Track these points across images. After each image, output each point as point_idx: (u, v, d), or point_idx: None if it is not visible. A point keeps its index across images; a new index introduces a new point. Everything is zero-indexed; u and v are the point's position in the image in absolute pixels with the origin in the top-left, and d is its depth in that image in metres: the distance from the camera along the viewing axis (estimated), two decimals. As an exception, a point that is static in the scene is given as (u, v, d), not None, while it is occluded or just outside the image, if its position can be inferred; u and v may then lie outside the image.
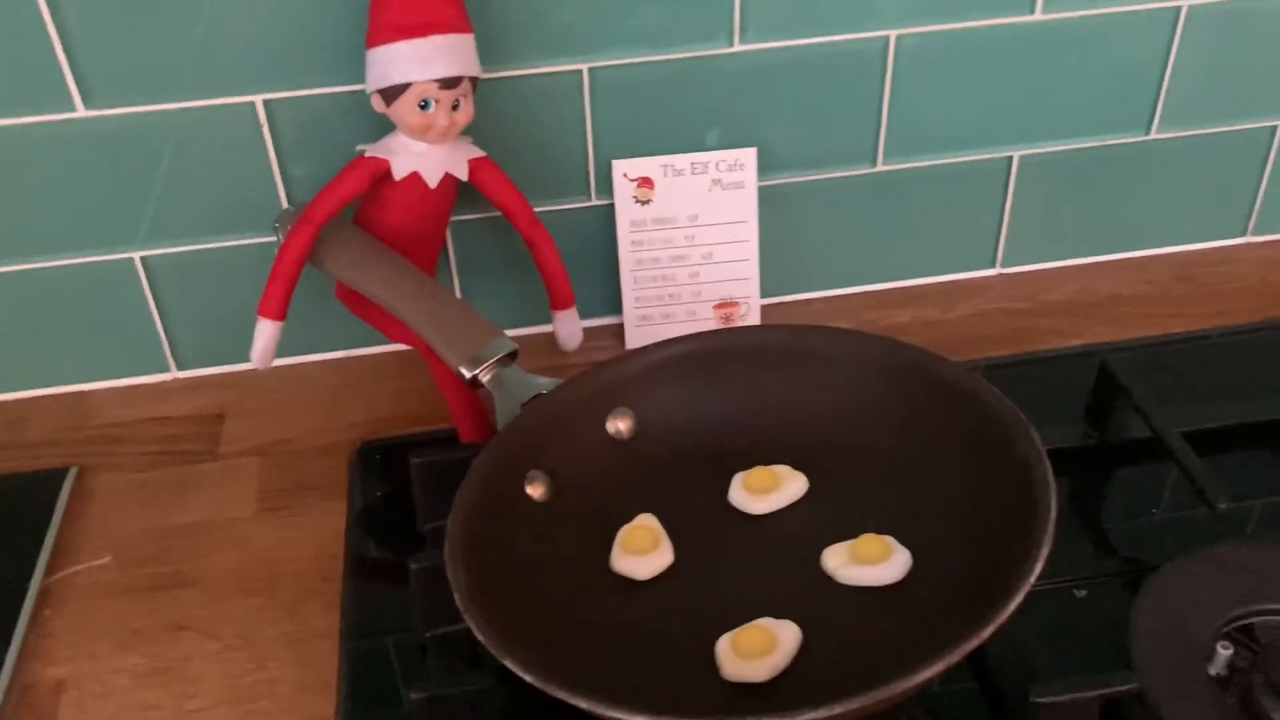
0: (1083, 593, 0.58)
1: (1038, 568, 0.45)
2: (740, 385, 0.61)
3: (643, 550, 0.55)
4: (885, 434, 0.58)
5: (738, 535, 0.57)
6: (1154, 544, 0.61)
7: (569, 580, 0.55)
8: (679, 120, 0.72)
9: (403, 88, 0.61)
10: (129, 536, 0.65)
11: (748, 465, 0.59)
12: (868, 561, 0.52)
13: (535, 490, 0.58)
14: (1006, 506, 0.50)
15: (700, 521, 0.57)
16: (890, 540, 0.54)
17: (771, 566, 0.55)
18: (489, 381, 0.60)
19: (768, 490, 0.57)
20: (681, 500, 0.58)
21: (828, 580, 0.53)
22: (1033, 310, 0.80)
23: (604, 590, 0.55)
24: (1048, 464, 0.50)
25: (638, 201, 0.73)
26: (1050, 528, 0.46)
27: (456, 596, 0.49)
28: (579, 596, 0.54)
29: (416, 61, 0.61)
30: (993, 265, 0.82)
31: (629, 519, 0.57)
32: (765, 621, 0.51)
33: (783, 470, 0.59)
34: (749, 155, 0.73)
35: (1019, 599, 0.44)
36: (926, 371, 0.57)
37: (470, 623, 0.47)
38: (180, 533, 0.65)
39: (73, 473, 0.69)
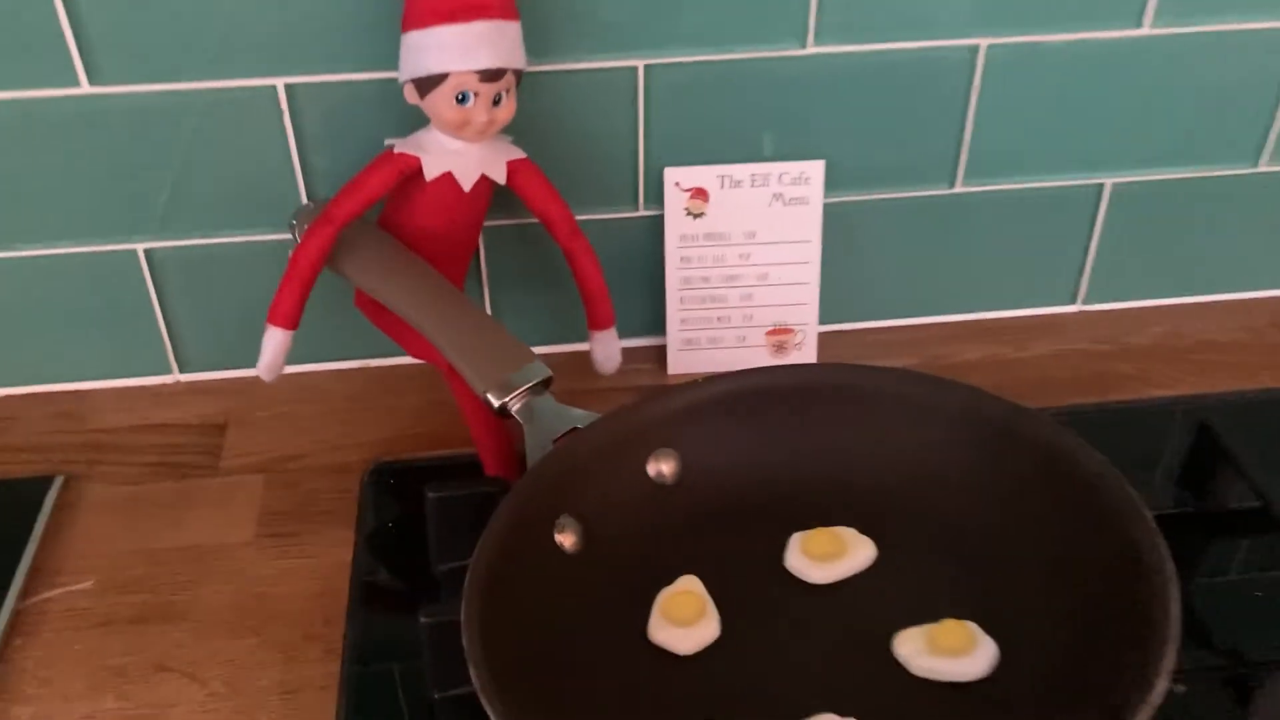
0: (1181, 689, 0.51)
1: (1160, 683, 0.38)
2: (802, 431, 0.55)
3: (686, 620, 0.49)
4: (967, 499, 0.52)
5: (794, 607, 0.51)
6: (1260, 634, 0.54)
7: (599, 648, 0.49)
8: (739, 127, 0.66)
9: (440, 78, 0.55)
10: (115, 558, 0.60)
11: (807, 524, 0.53)
12: (948, 652, 0.46)
13: (565, 539, 0.53)
14: (1113, 599, 0.44)
15: (751, 588, 0.52)
16: (974, 628, 0.47)
17: (834, 649, 0.49)
18: (518, 411, 0.55)
19: (831, 557, 0.51)
20: (730, 560, 0.53)
21: (900, 670, 0.47)
22: (1115, 353, 0.74)
23: (639, 663, 0.49)
24: (1167, 555, 0.43)
25: (690, 214, 0.67)
26: (1175, 641, 0.40)
27: (473, 673, 0.43)
28: (610, 669, 0.48)
29: (457, 50, 0.55)
30: (1073, 301, 0.76)
31: (670, 579, 0.52)
32: (827, 719, 0.44)
33: (848, 534, 0.53)
34: (816, 169, 0.67)
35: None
36: (1017, 429, 0.51)
37: (491, 712, 0.41)
38: (171, 557, 0.60)
39: (59, 482, 0.64)
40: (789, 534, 0.53)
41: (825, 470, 0.54)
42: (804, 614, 0.50)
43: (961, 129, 0.68)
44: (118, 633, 0.56)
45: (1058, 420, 0.52)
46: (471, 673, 0.43)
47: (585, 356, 0.66)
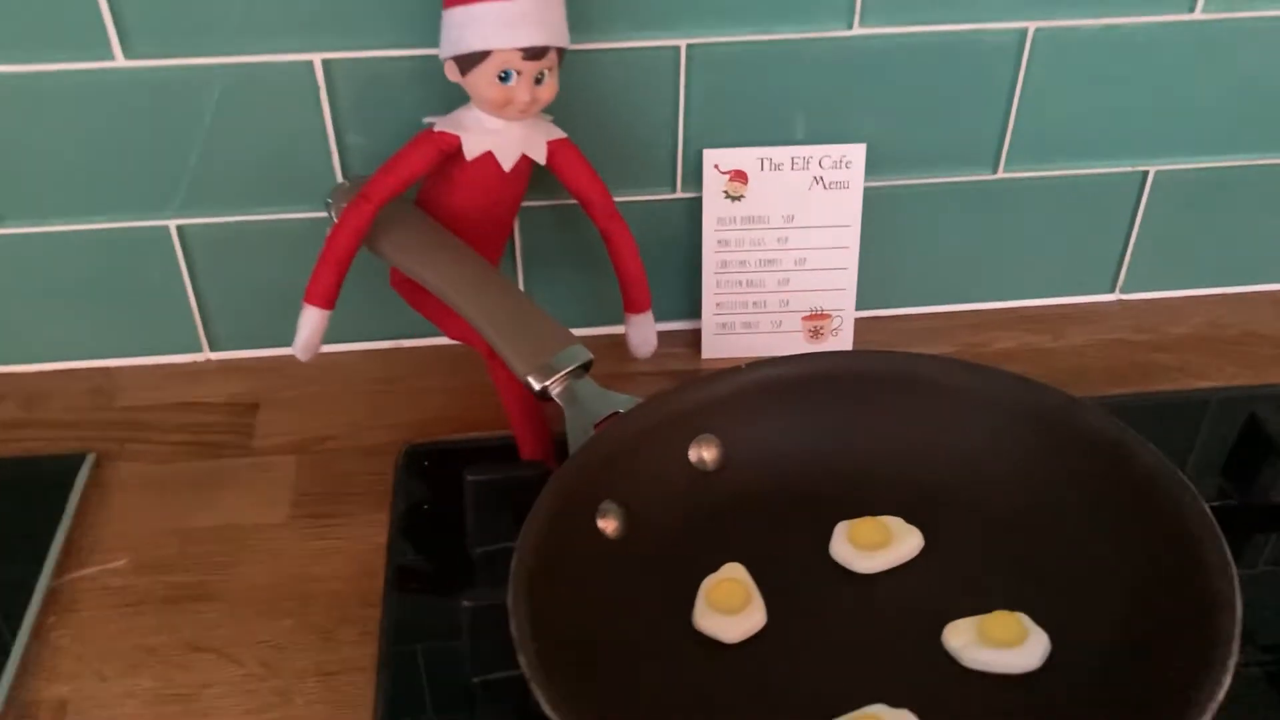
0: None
1: (1224, 683, 0.38)
2: (847, 418, 0.55)
3: (731, 608, 0.49)
4: (1017, 490, 0.51)
5: (841, 596, 0.50)
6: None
7: (644, 635, 0.49)
8: (781, 109, 0.66)
9: (482, 55, 0.55)
10: (147, 537, 0.60)
11: (852, 513, 0.53)
12: (999, 644, 0.46)
13: (608, 525, 0.52)
14: (1168, 591, 0.43)
15: (796, 576, 0.51)
16: (1025, 619, 0.47)
17: (883, 639, 0.48)
18: (560, 395, 0.54)
19: (877, 546, 0.51)
20: (774, 549, 0.52)
21: (950, 661, 0.47)
22: (1155, 343, 0.73)
23: (685, 651, 0.48)
24: (1228, 553, 0.42)
25: (728, 197, 0.67)
26: (1237, 635, 0.39)
27: (522, 659, 0.42)
28: (656, 656, 0.48)
29: (500, 26, 0.54)
30: (1112, 290, 0.75)
31: (713, 566, 0.51)
32: (879, 709, 0.44)
33: (895, 523, 0.52)
34: (858, 152, 0.66)
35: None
36: (1071, 421, 0.51)
37: (541, 696, 0.40)
38: (204, 537, 0.60)
39: (90, 459, 0.63)
40: (834, 522, 0.53)
41: (871, 459, 0.54)
42: (851, 603, 0.50)
43: (1007, 113, 0.67)
44: (153, 612, 0.56)
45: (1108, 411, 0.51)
46: (520, 657, 0.42)
47: (619, 340, 0.65)
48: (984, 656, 0.46)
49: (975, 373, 0.54)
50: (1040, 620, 0.47)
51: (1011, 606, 0.47)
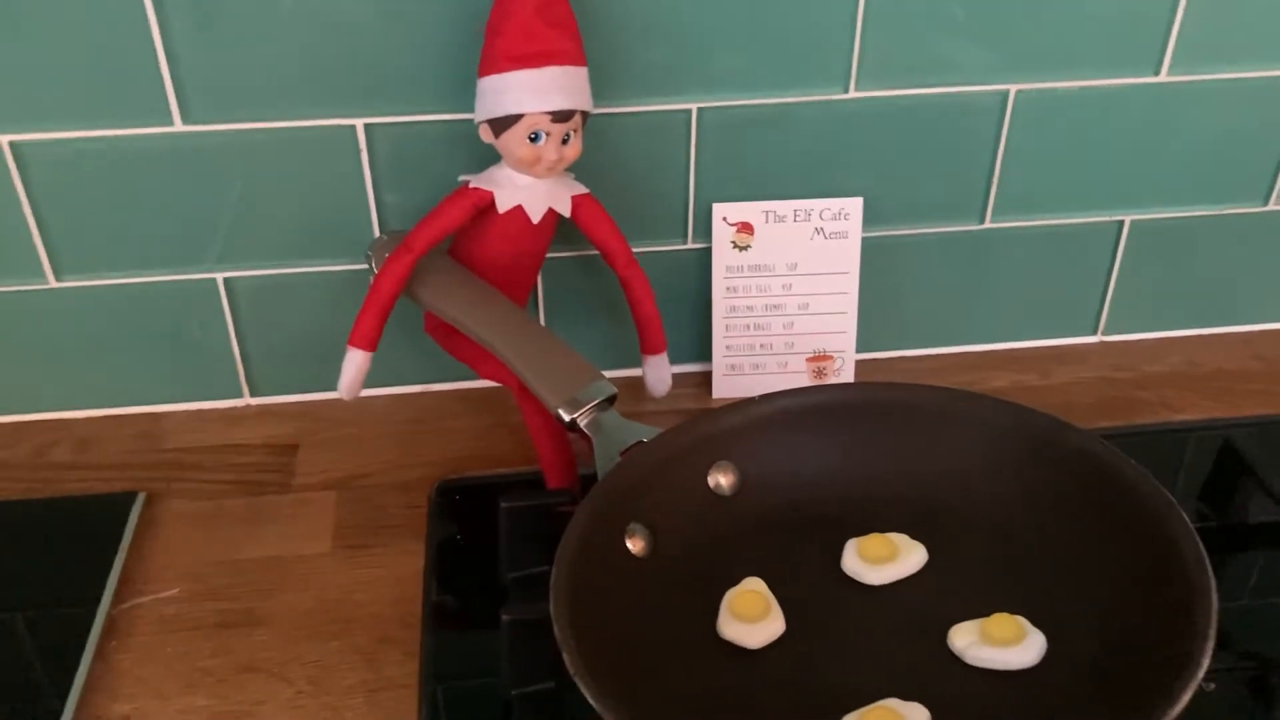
0: (1211, 685, 0.54)
1: (1203, 665, 0.42)
2: (852, 445, 0.58)
3: (753, 617, 0.52)
4: (1011, 506, 0.55)
5: (853, 606, 0.54)
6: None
7: (673, 644, 0.52)
8: (784, 165, 0.70)
9: (515, 119, 0.59)
10: (198, 568, 0.63)
11: (859, 531, 0.56)
12: (1000, 643, 0.49)
13: (635, 544, 0.55)
14: (1151, 591, 0.47)
15: (811, 588, 0.55)
16: (1023, 620, 0.50)
17: (893, 642, 0.52)
18: (587, 425, 0.58)
19: (885, 560, 0.54)
20: (789, 564, 0.56)
21: (955, 660, 0.50)
22: (1135, 381, 0.77)
23: (712, 657, 0.52)
24: (1203, 551, 0.46)
25: (736, 247, 0.71)
26: (1214, 623, 0.43)
27: (566, 658, 0.46)
28: (685, 662, 0.51)
29: (531, 92, 0.59)
30: (1094, 332, 0.79)
31: (733, 581, 0.55)
32: (892, 703, 0.47)
33: (901, 539, 0.56)
34: (855, 205, 0.70)
35: (1181, 705, 0.41)
36: (1061, 442, 0.55)
37: (586, 690, 0.44)
38: (251, 567, 0.63)
39: (141, 498, 0.67)
40: (844, 539, 0.56)
41: (877, 481, 0.57)
42: (863, 612, 0.53)
43: (992, 168, 0.71)
44: (206, 636, 0.58)
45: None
46: (565, 657, 0.45)
47: (636, 381, 0.69)
48: (986, 655, 0.49)
49: (971, 400, 0.58)
50: (1037, 621, 0.50)
51: (1010, 609, 0.51)
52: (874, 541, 0.55)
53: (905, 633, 0.52)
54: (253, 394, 0.74)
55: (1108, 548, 0.51)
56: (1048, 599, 0.51)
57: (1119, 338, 0.80)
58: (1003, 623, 0.50)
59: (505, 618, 0.53)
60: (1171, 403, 0.74)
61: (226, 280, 0.70)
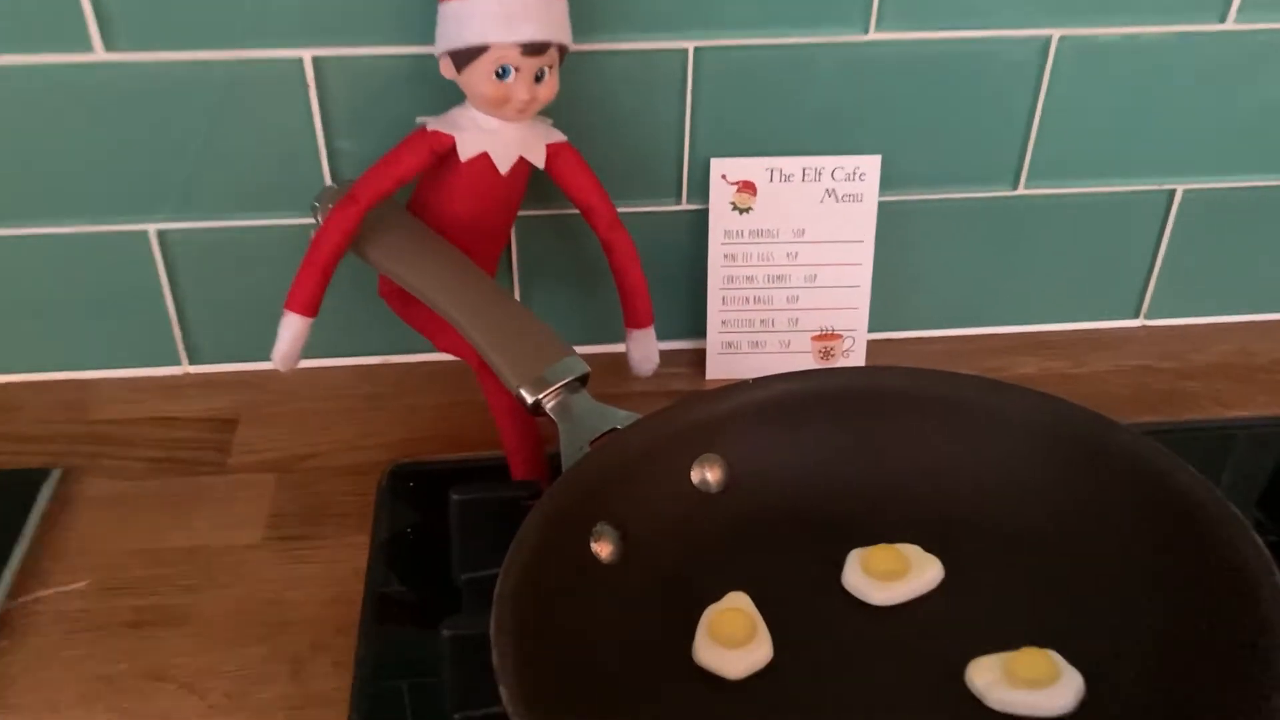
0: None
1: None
2: (861, 439, 0.52)
3: (735, 641, 0.45)
4: (1044, 517, 0.48)
5: (854, 630, 0.47)
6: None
7: (640, 668, 0.45)
8: (792, 116, 0.63)
9: (479, 50, 0.52)
10: (112, 557, 0.57)
11: (866, 540, 0.49)
12: (1029, 684, 0.42)
13: (602, 549, 0.49)
14: (1213, 626, 0.40)
15: (806, 607, 0.48)
16: (1056, 656, 0.43)
17: (900, 677, 0.45)
18: (553, 409, 0.51)
19: (894, 576, 0.48)
20: (782, 577, 0.49)
21: (974, 702, 0.43)
22: (1181, 371, 0.70)
23: (684, 687, 0.45)
24: (1279, 577, 0.39)
25: (736, 209, 0.64)
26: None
27: (504, 694, 0.39)
28: (652, 692, 0.44)
29: (498, 20, 0.52)
30: (1136, 315, 0.73)
31: (716, 596, 0.48)
32: (896, 755, 0.40)
33: (912, 551, 0.49)
34: (872, 164, 0.63)
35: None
36: (1106, 442, 0.47)
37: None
38: (173, 558, 0.57)
39: (56, 474, 0.60)
40: (847, 550, 0.49)
41: (887, 482, 0.51)
42: (865, 638, 0.47)
43: (1028, 126, 0.65)
44: (113, 638, 0.52)
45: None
46: (502, 692, 0.39)
47: (619, 358, 0.63)
48: (1012, 697, 0.43)
49: (1000, 391, 0.51)
50: (1073, 658, 0.43)
51: (1041, 642, 0.44)
52: (881, 554, 0.48)
53: (915, 666, 0.45)
54: (192, 361, 0.68)
55: (1162, 573, 0.43)
56: (1086, 631, 0.44)
57: (1164, 322, 0.73)
58: (1032, 659, 0.43)
59: (446, 633, 0.47)
60: (1222, 397, 0.68)
61: (161, 233, 0.64)
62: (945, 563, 0.49)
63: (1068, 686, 0.42)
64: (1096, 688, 0.43)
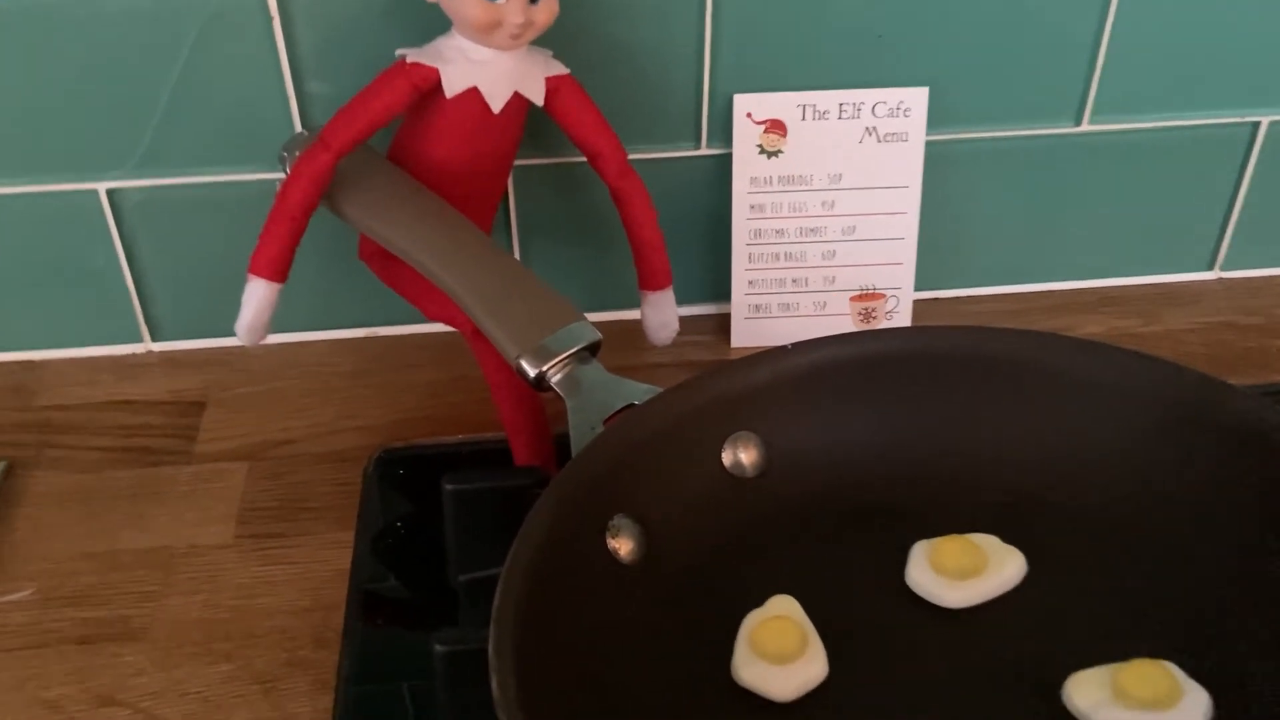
0: None
1: None
2: (920, 411, 0.47)
3: (784, 655, 0.40)
4: (1147, 498, 0.43)
5: (924, 638, 0.42)
6: None
7: (668, 689, 0.40)
8: (827, 43, 0.58)
9: (465, -35, 0.46)
10: (61, 561, 0.52)
11: (932, 530, 0.44)
12: (1145, 703, 0.37)
13: (620, 545, 0.44)
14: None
15: (864, 613, 0.43)
16: (1175, 670, 0.38)
17: (982, 695, 0.39)
18: (559, 383, 0.46)
19: (967, 572, 0.42)
20: (834, 577, 0.44)
21: (1076, 727, 0.37)
22: (1265, 328, 0.65)
23: (721, 712, 0.40)
24: None
25: (763, 152, 0.59)
26: None
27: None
28: (685, 717, 0.39)
29: (487, -72, 0.46)
30: (1211, 268, 0.68)
31: (758, 601, 0.43)
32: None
33: (989, 543, 0.44)
34: (918, 97, 0.58)
35: None
36: (1219, 408, 0.42)
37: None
38: (130, 561, 0.52)
39: (0, 468, 0.56)
40: (910, 543, 0.45)
41: (953, 461, 0.46)
42: (937, 648, 0.41)
43: (1094, 53, 0.59)
44: (59, 656, 0.48)
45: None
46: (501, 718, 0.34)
47: (633, 325, 0.58)
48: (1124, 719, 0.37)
49: (1083, 351, 0.45)
50: (1195, 671, 0.38)
51: (1155, 653, 0.38)
52: (951, 546, 0.43)
53: (998, 682, 0.39)
54: (154, 338, 0.64)
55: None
56: (1210, 638, 0.39)
57: (1243, 273, 0.69)
58: (1146, 673, 0.37)
59: (439, 649, 0.42)
60: (1317, 357, 0.63)
61: (111, 193, 0.59)
62: (1027, 555, 0.44)
63: (1192, 706, 0.37)
64: (1225, 707, 0.37)
